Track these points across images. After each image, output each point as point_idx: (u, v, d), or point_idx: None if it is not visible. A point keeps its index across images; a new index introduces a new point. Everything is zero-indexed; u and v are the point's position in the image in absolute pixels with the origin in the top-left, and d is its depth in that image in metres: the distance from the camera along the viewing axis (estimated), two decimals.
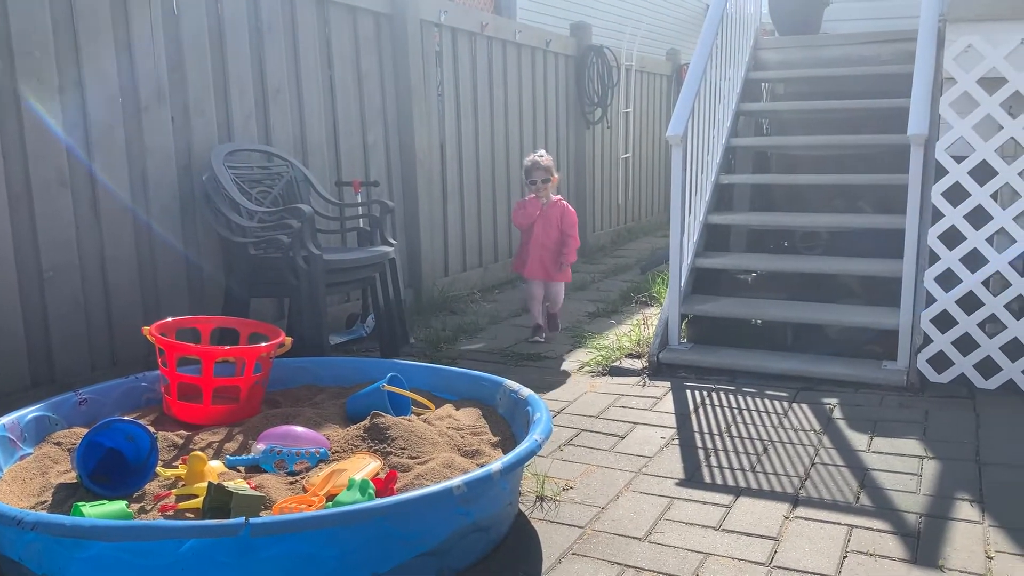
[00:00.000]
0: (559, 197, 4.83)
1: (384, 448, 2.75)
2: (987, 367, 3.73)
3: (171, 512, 2.35)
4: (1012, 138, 3.59)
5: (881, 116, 5.13)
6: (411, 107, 5.50)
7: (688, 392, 3.88)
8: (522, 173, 4.86)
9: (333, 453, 2.78)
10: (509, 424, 3.03)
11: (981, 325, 3.73)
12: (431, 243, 5.81)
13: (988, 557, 2.37)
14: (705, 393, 3.86)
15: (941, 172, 3.74)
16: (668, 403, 3.74)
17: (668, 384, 4.00)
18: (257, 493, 2.35)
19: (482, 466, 2.47)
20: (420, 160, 5.61)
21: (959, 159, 3.69)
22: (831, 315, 4.34)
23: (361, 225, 4.63)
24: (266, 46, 4.48)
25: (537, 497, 2.78)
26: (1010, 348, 3.68)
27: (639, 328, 4.77)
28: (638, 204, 9.58)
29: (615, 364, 4.27)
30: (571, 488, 2.86)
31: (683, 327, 4.45)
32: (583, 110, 7.89)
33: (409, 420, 2.91)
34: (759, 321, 4.57)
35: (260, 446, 2.75)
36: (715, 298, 4.61)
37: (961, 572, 2.29)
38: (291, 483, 2.59)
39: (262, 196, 4.28)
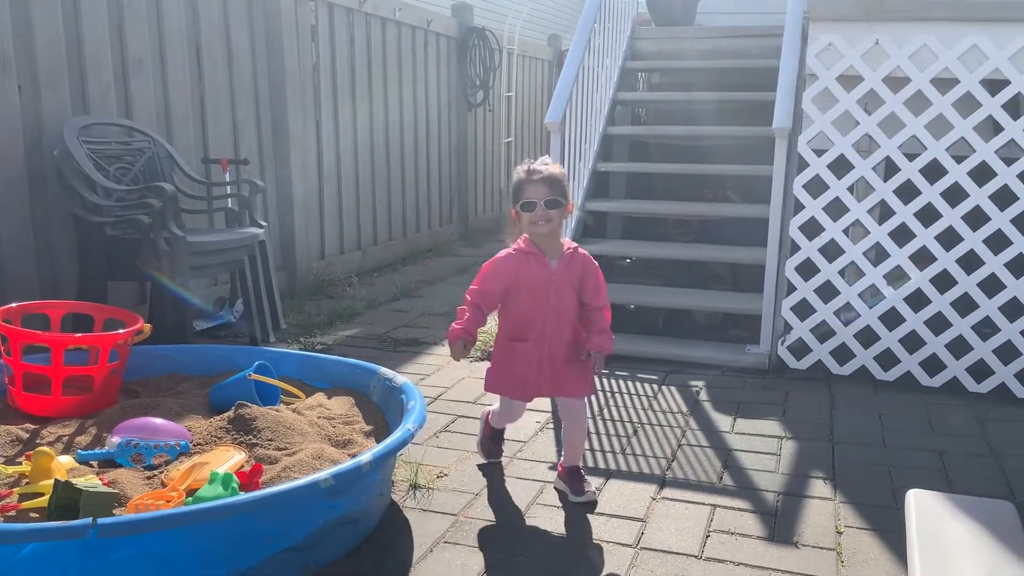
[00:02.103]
0: (571, 243, 2.68)
1: (250, 440, 2.64)
2: (842, 354, 3.94)
3: (12, 513, 2.18)
4: (867, 134, 3.79)
5: (750, 109, 5.32)
6: (284, 84, 5.31)
7: None
8: (509, 195, 2.66)
9: (195, 446, 2.65)
10: (383, 412, 2.98)
11: (837, 313, 3.93)
12: (306, 225, 5.64)
13: (838, 532, 2.50)
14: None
15: (803, 165, 3.91)
16: None
17: None
18: (110, 490, 2.21)
19: (353, 456, 2.41)
20: (294, 139, 5.43)
21: (819, 152, 3.87)
22: (700, 301, 4.49)
23: (229, 205, 4.44)
24: (126, 15, 4.21)
25: (411, 486, 2.74)
26: (863, 336, 3.90)
27: None
28: None
29: (492, 350, 4.26)
30: (445, 476, 2.84)
31: None
32: (465, 92, 7.84)
33: (277, 410, 2.82)
34: (633, 306, 4.67)
35: (115, 439, 2.59)
36: None
37: (814, 547, 2.40)
38: (149, 478, 2.45)
39: (121, 173, 4.03)
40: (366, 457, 2.24)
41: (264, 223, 4.34)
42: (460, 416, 3.40)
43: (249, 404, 2.76)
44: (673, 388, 3.79)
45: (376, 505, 2.48)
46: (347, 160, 6.11)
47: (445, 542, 2.41)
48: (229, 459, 2.47)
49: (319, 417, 2.87)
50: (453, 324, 2.53)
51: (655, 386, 3.81)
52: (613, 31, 5.48)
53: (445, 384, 3.79)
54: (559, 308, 2.57)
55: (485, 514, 2.58)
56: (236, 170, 4.73)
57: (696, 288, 4.67)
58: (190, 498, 2.22)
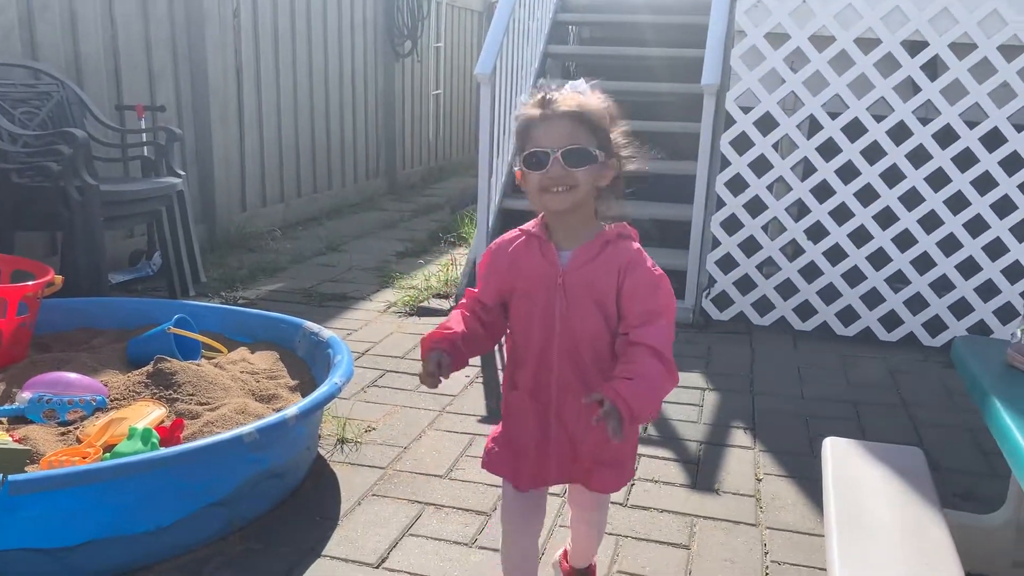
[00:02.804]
0: (615, 227, 1.57)
1: (170, 395, 2.56)
2: (763, 305, 4.04)
3: None
4: (793, 92, 3.85)
5: (680, 65, 5.34)
6: (204, 30, 5.08)
7: None
8: (513, 143, 2.15)
9: (112, 401, 2.56)
10: (309, 367, 2.93)
11: (759, 267, 4.02)
12: (226, 175, 5.46)
13: (758, 479, 2.58)
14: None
15: (730, 122, 3.95)
16: None
17: None
18: (21, 447, 2.13)
19: (278, 411, 2.37)
20: (213, 86, 5.23)
21: (746, 110, 3.91)
22: None
23: (145, 154, 4.26)
24: None
25: (338, 440, 2.72)
26: (783, 288, 4.00)
27: (448, 268, 4.75)
28: (450, 142, 9.51)
29: (423, 304, 4.24)
30: (373, 429, 2.82)
31: None
32: (392, 42, 7.66)
33: (198, 365, 2.74)
34: None
35: (26, 394, 2.48)
36: None
37: (734, 494, 2.48)
38: (63, 434, 2.36)
39: (27, 118, 3.81)
40: (292, 411, 2.21)
41: (182, 173, 4.18)
42: (388, 371, 3.37)
43: (169, 358, 2.68)
44: None
45: (302, 459, 2.44)
46: (269, 110, 5.92)
47: (373, 495, 2.40)
48: (148, 414, 2.40)
49: (242, 372, 2.80)
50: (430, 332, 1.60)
51: None
52: None
53: (373, 339, 3.75)
54: (572, 333, 1.53)
55: (414, 467, 2.57)
56: (152, 117, 4.53)
57: None
58: (107, 454, 2.15)
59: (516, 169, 1.54)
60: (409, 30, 7.78)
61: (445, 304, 4.25)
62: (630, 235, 1.55)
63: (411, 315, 4.13)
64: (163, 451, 1.97)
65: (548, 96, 1.48)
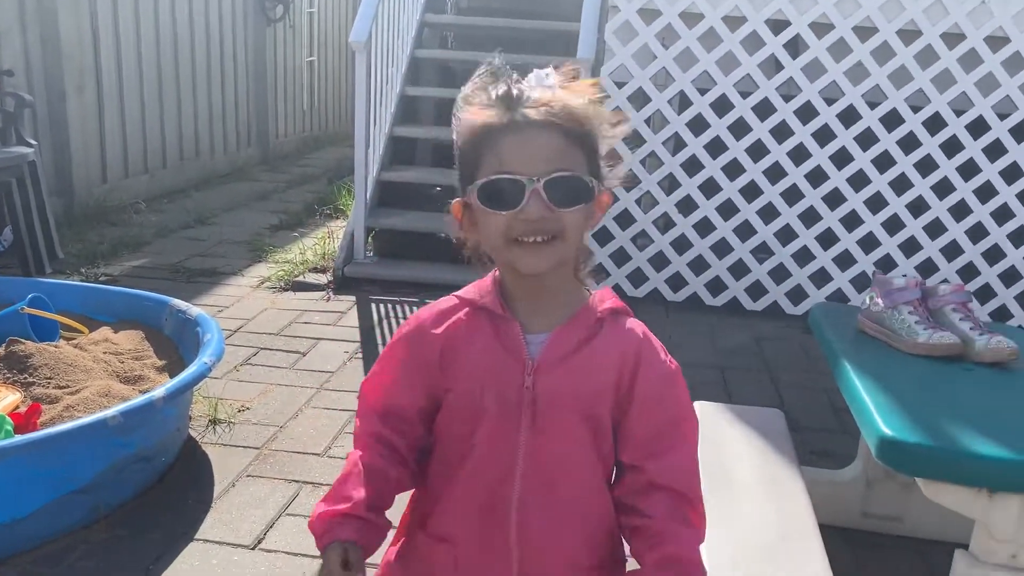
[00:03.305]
0: (606, 297, 1.10)
1: (25, 379, 2.41)
2: (637, 278, 4.16)
3: None
4: (664, 68, 3.94)
5: (556, 37, 5.37)
6: None
7: (373, 305, 3.88)
8: (456, 155, 1.07)
9: None
10: (177, 346, 2.81)
11: (633, 240, 4.12)
12: (84, 145, 5.14)
13: None
14: (390, 306, 3.88)
15: (604, 96, 4.00)
16: (352, 317, 3.71)
17: (353, 298, 3.95)
18: None
19: (145, 393, 2.27)
20: (67, 51, 4.88)
21: (620, 85, 3.98)
22: None
23: None
24: None
25: (210, 421, 2.63)
26: (656, 260, 4.13)
27: (324, 242, 4.65)
28: (326, 111, 9.26)
29: (298, 279, 4.14)
30: (247, 409, 2.75)
31: (369, 240, 4.41)
32: (263, 5, 7.36)
33: (56, 346, 2.59)
34: (444, 235, 4.66)
35: None
36: (402, 212, 4.62)
37: None
38: None
39: None
40: (159, 392, 2.12)
41: (34, 142, 3.90)
42: (263, 348, 3.27)
43: (23, 340, 2.52)
44: None
45: (172, 442, 2.36)
46: (131, 75, 5.59)
47: (248, 476, 2.34)
48: (1, 400, 2.25)
49: (105, 353, 2.66)
50: (319, 504, 1.05)
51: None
52: None
53: (245, 315, 3.64)
54: (544, 467, 1.04)
55: (291, 446, 2.52)
56: None
57: None
58: None
59: (456, 202, 1.05)
60: None
61: (322, 278, 4.16)
62: (624, 308, 1.09)
63: (286, 290, 4.02)
64: (16, 439, 1.85)
65: (515, 91, 0.98)
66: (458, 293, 1.11)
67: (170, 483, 2.28)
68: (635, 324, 1.08)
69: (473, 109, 1.01)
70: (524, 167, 0.96)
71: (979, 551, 1.56)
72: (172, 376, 2.47)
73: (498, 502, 1.03)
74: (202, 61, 6.46)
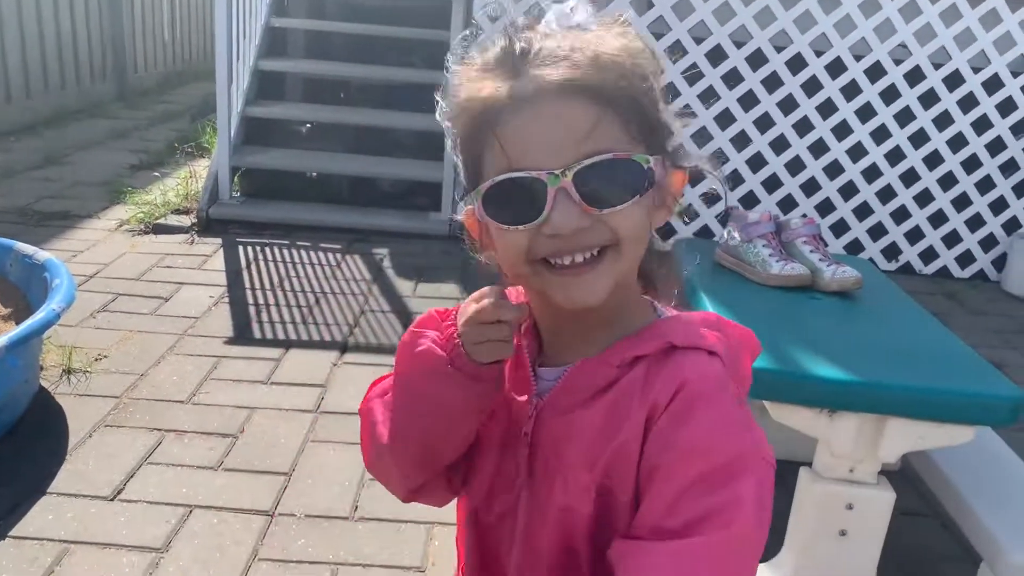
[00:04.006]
0: (675, 328, 0.74)
1: None
2: None
3: None
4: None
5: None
6: None
7: (240, 248, 3.74)
8: (451, 140, 0.75)
9: None
10: (24, 293, 2.63)
11: None
12: None
13: None
14: (258, 249, 3.75)
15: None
16: (218, 260, 3.57)
17: (219, 241, 3.80)
18: None
19: None
20: None
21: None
22: (384, 168, 4.47)
23: None
24: None
25: (64, 371, 2.49)
26: None
27: (188, 182, 4.42)
28: (189, 45, 8.74)
29: (160, 221, 3.93)
30: (105, 358, 2.61)
31: (236, 180, 4.23)
32: None
33: None
34: (315, 174, 4.53)
35: None
36: (269, 149, 4.44)
37: None
38: None
39: None
40: (0, 342, 1.98)
41: None
42: (121, 294, 3.11)
43: None
44: (357, 257, 3.77)
45: (20, 394, 2.22)
46: None
47: (106, 426, 2.24)
48: None
49: None
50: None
51: (339, 255, 3.77)
52: None
53: (103, 260, 3.44)
54: (536, 530, 0.77)
55: (153, 394, 2.43)
56: None
57: (382, 156, 4.61)
58: None
59: (466, 210, 0.76)
60: None
61: (185, 220, 3.97)
62: (692, 341, 0.73)
63: (146, 233, 3.81)
64: None
65: (520, 44, 0.69)
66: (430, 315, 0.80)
67: (20, 437, 2.16)
68: (695, 365, 0.71)
69: (467, 76, 0.72)
70: (542, 158, 0.67)
71: (821, 467, 1.67)
72: (19, 324, 2.32)
73: (492, 561, 0.81)
74: None
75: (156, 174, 4.79)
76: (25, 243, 2.76)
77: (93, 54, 6.68)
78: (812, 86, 3.95)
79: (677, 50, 3.91)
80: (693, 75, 3.94)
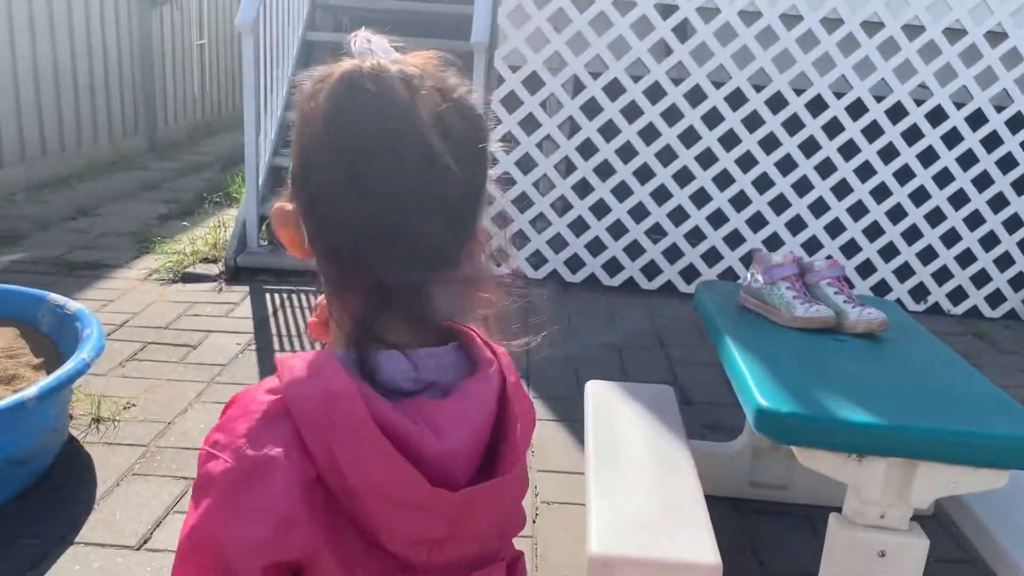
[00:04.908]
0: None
1: None
2: (537, 259, 4.18)
3: None
4: (557, 52, 3.96)
5: (451, 20, 5.33)
6: None
7: (267, 296, 3.78)
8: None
9: None
10: (56, 343, 2.67)
11: (532, 222, 4.15)
12: None
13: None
14: (285, 296, 3.79)
15: (500, 80, 4.01)
16: (246, 308, 3.61)
17: (246, 288, 3.84)
18: None
19: (17, 392, 2.15)
20: None
21: (514, 68, 3.98)
22: None
23: None
24: None
25: (93, 419, 2.52)
26: (555, 243, 4.16)
27: (216, 231, 4.49)
28: (218, 96, 8.95)
29: (189, 270, 3.99)
30: (133, 406, 2.64)
31: (263, 229, 4.29)
32: None
33: None
34: None
35: None
36: None
37: None
38: None
39: None
40: (31, 392, 2.01)
41: None
42: (150, 343, 3.15)
43: None
44: None
45: (49, 443, 2.25)
46: (3, 59, 5.27)
47: (134, 474, 2.25)
48: None
49: None
50: None
51: None
52: None
53: (133, 309, 3.49)
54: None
55: (180, 442, 2.44)
56: None
57: None
58: None
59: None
60: None
61: (213, 268, 4.03)
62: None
63: (175, 282, 3.87)
64: None
65: (380, 64, 0.72)
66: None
67: (48, 486, 2.18)
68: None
69: (311, 85, 0.73)
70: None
71: (851, 513, 1.64)
72: (50, 374, 2.35)
73: None
74: (82, 45, 6.14)
75: (185, 224, 4.88)
76: (57, 293, 2.81)
77: (125, 108, 6.86)
78: (833, 128, 3.96)
79: (697, 94, 3.95)
80: (714, 118, 3.97)
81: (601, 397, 2.24)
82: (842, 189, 4.04)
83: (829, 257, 3.77)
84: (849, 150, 3.99)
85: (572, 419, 2.73)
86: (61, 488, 2.18)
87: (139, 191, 5.76)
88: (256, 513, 0.63)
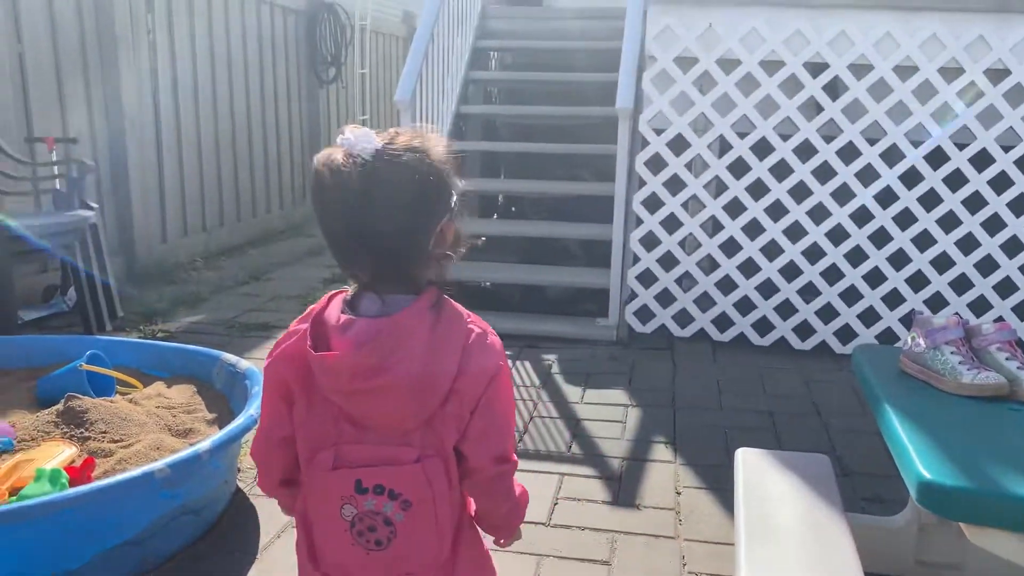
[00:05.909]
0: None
1: (82, 433, 2.50)
2: (683, 318, 4.14)
3: None
4: (703, 113, 3.97)
5: (597, 89, 5.45)
6: (117, 54, 4.99)
7: None
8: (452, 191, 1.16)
9: (20, 442, 2.48)
10: (227, 399, 2.88)
11: (678, 281, 4.12)
12: (144, 206, 5.35)
13: (677, 492, 2.63)
14: None
15: (644, 143, 4.05)
16: None
17: None
18: None
19: (193, 445, 2.33)
20: (128, 114, 5.13)
21: (659, 131, 4.02)
22: (554, 276, 4.59)
23: (58, 187, 4.15)
24: None
25: None
26: (701, 301, 4.11)
27: None
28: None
29: None
30: None
31: None
32: (316, 68, 7.63)
33: (112, 401, 2.67)
34: (488, 283, 4.72)
35: None
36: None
37: (655, 508, 2.53)
38: None
39: None
40: (205, 445, 2.17)
41: (95, 205, 4.09)
42: None
43: (80, 396, 2.61)
44: (527, 362, 3.86)
45: (220, 493, 2.41)
46: (189, 136, 5.83)
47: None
48: (58, 454, 2.33)
49: (158, 407, 2.74)
50: None
51: (510, 361, 3.86)
52: (464, 9, 5.47)
53: None
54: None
55: None
56: (64, 148, 4.43)
57: (550, 264, 4.76)
58: (13, 497, 2.09)
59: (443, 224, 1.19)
60: (333, 56, 7.77)
61: None
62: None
63: None
64: (65, 492, 1.92)
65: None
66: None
67: (217, 535, 2.33)
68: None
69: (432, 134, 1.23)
70: None
71: None
72: (222, 429, 2.54)
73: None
74: (258, 122, 6.71)
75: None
76: (230, 353, 3.04)
77: (295, 182, 7.40)
78: (1001, 182, 3.74)
79: (851, 152, 3.83)
80: (869, 175, 3.83)
81: (752, 465, 2.17)
82: (1013, 247, 3.78)
83: (999, 319, 3.52)
84: (1020, 205, 3.74)
85: (722, 487, 2.65)
86: (229, 538, 2.32)
87: (305, 256, 6.15)
88: None
